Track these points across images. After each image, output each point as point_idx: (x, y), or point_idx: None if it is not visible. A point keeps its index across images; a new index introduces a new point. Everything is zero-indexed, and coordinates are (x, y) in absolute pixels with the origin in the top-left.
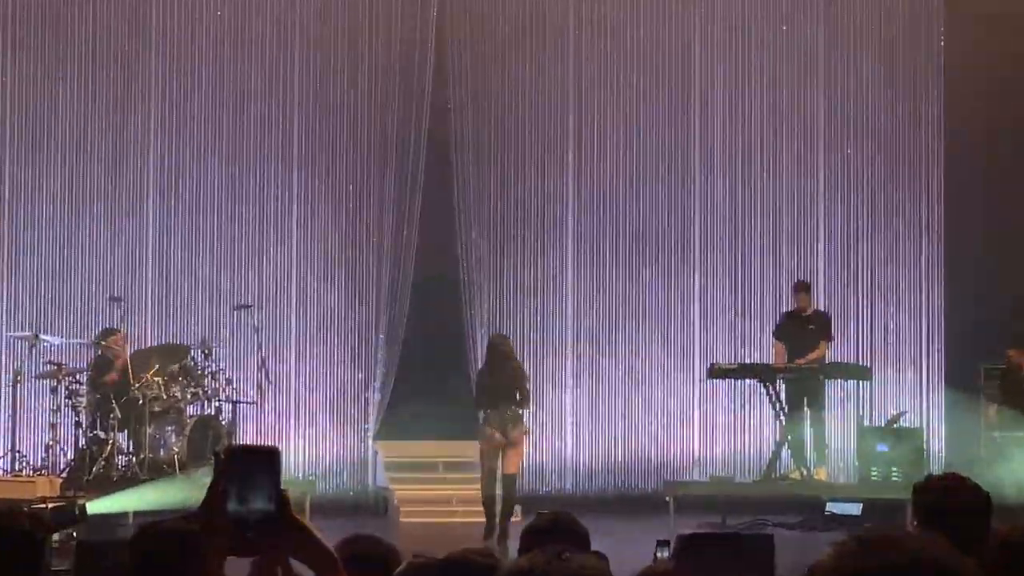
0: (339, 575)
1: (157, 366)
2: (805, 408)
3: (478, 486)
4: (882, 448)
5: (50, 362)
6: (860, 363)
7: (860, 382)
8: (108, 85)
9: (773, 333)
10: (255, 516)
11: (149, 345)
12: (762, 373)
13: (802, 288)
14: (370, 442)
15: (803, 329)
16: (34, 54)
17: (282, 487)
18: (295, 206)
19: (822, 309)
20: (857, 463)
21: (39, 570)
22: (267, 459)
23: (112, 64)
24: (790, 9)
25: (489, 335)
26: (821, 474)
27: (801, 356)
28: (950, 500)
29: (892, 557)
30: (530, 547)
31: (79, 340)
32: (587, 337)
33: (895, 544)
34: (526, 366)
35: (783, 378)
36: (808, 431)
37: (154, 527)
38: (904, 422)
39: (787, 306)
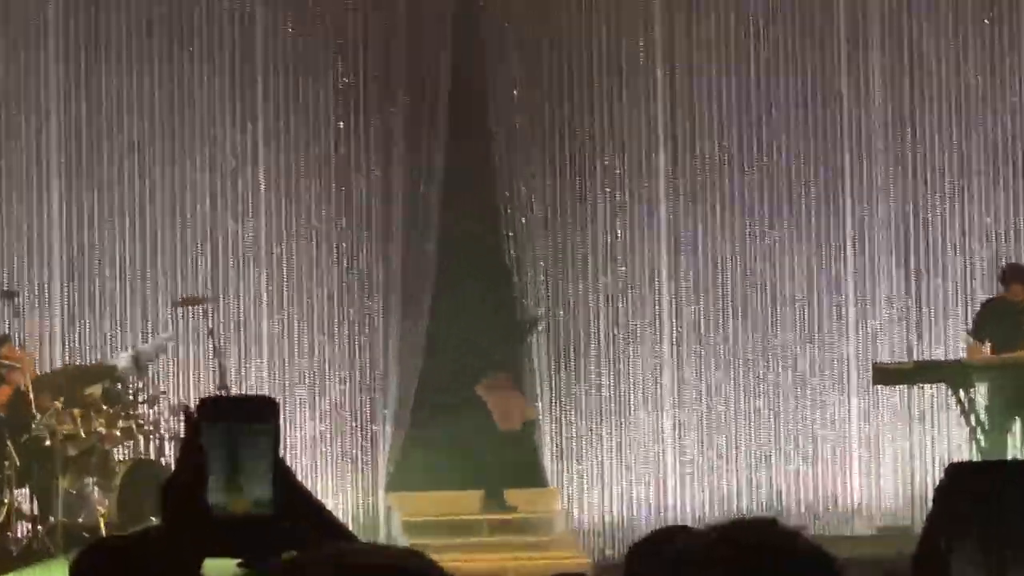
0: None
1: (71, 391)
2: (1015, 423)
3: (539, 553)
4: None
5: None
6: None
7: None
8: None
9: (970, 331)
10: (248, 507)
11: (58, 361)
12: (950, 374)
13: (1015, 274)
14: (380, 494)
15: (1015, 322)
16: None
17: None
18: (267, 156)
19: None
20: None
21: None
22: (260, 415)
23: None
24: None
25: None
26: None
27: None
28: None
29: None
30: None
31: None
32: (689, 329)
33: None
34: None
35: (982, 379)
36: (1020, 454)
37: (96, 547)
38: None
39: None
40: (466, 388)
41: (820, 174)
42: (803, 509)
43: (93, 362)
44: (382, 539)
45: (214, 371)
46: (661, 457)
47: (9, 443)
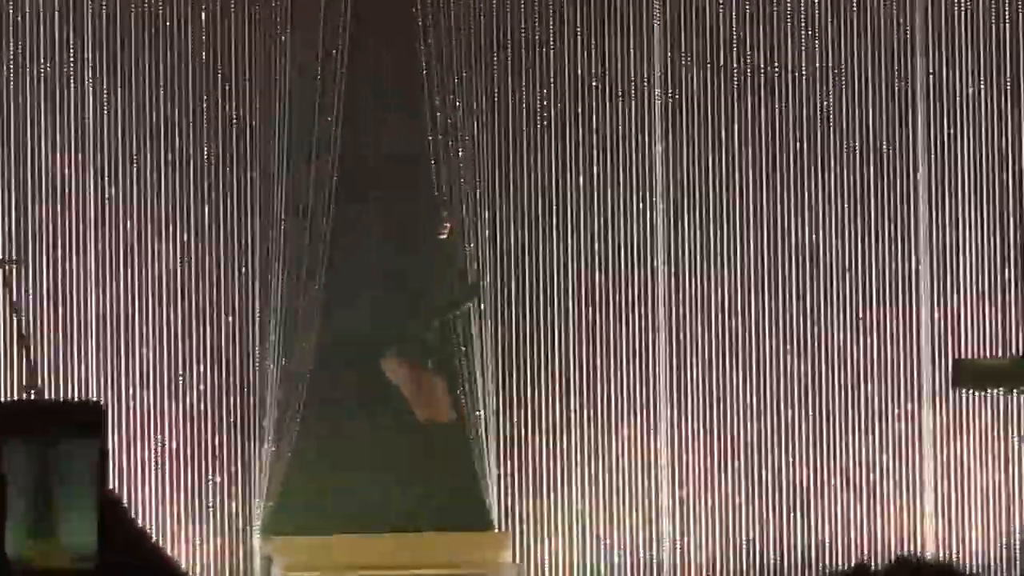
0: None
1: None
2: None
3: None
4: None
5: None
6: None
7: None
8: None
9: None
10: (65, 561)
11: None
12: None
13: None
14: (255, 538)
15: None
16: None
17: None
18: (96, 57)
19: None
20: None
21: None
22: (81, 427)
23: None
24: None
25: None
26: None
27: None
28: None
29: None
30: None
31: None
32: (694, 307)
33: None
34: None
35: None
36: None
37: None
38: None
39: None
40: (376, 386)
41: (880, 84)
42: (861, 552)
43: None
44: None
45: (17, 365)
46: (654, 490)
47: None
